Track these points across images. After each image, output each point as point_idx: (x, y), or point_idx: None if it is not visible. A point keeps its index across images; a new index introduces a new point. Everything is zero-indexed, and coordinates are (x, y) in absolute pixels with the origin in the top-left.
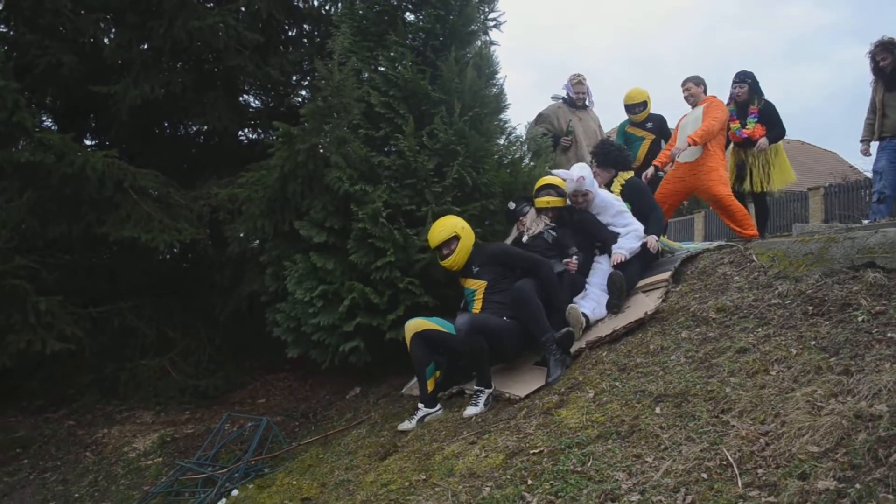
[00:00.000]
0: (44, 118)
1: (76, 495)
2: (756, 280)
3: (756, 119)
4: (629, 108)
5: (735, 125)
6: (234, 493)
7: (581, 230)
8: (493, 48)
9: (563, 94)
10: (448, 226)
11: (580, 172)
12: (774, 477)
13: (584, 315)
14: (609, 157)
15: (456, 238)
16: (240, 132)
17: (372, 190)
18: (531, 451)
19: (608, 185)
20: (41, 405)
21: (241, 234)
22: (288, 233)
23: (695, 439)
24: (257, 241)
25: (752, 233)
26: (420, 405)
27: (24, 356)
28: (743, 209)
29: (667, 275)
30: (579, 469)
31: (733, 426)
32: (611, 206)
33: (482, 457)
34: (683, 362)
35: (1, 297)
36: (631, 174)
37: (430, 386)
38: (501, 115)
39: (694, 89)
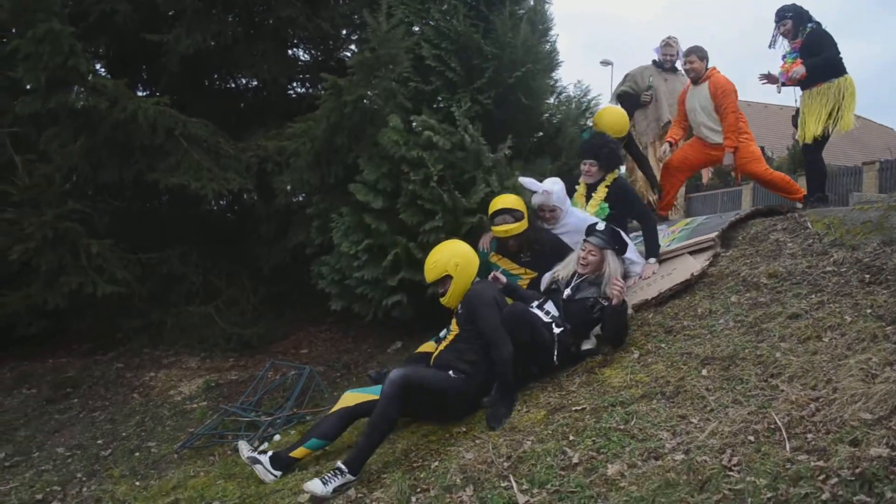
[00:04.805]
0: (97, 66)
1: (124, 434)
2: (810, 247)
3: (795, 55)
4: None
5: (782, 69)
6: (276, 437)
7: (555, 254)
8: (546, 5)
9: (656, 56)
10: (441, 263)
11: (550, 186)
12: (824, 442)
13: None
14: (602, 150)
15: (448, 277)
16: (289, 85)
17: (428, 156)
18: (573, 408)
19: (594, 186)
20: (90, 348)
21: (288, 187)
22: (334, 185)
23: (742, 402)
24: (303, 195)
25: (800, 195)
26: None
27: (75, 297)
28: (783, 177)
29: (713, 234)
30: (622, 427)
31: (783, 391)
32: (583, 222)
33: (523, 412)
34: (732, 326)
35: (54, 240)
36: (616, 175)
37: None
38: (553, 74)
39: (697, 63)
